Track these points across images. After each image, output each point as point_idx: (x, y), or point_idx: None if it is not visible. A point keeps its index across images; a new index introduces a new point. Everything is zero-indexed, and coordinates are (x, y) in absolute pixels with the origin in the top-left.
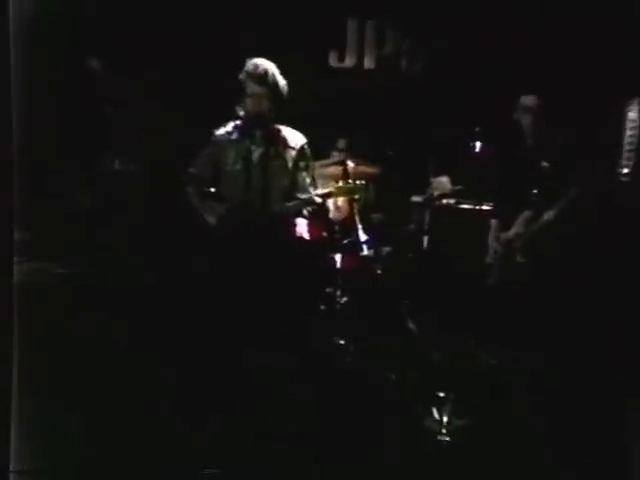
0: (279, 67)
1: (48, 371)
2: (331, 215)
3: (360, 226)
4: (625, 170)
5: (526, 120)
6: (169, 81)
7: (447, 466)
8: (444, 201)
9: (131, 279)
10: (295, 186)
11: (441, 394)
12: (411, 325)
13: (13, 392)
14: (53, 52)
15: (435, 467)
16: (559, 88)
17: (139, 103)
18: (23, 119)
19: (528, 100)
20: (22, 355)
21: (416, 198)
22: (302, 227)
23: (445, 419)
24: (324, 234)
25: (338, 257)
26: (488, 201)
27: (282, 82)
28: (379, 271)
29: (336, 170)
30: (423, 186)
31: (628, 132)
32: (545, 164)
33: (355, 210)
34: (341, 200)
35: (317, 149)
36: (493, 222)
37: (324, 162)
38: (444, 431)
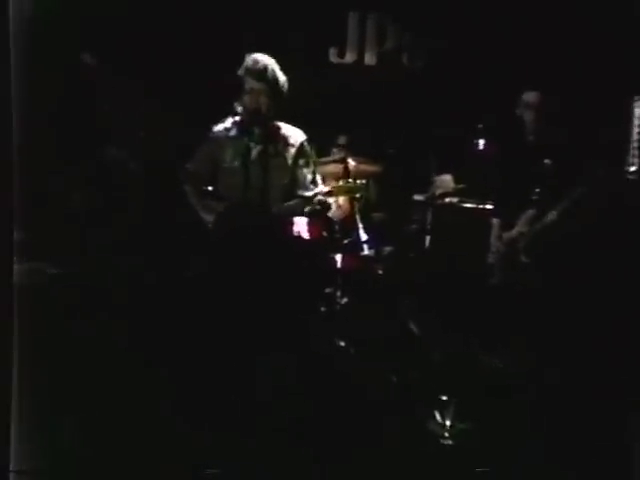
0: (279, 63)
1: (48, 371)
2: (331, 214)
3: (361, 225)
4: (633, 168)
5: (529, 116)
6: (167, 78)
7: (450, 469)
8: (446, 200)
9: (130, 279)
10: (295, 184)
11: (444, 397)
12: (413, 326)
13: (13, 392)
14: (53, 52)
15: (437, 470)
16: (564, 85)
17: (137, 101)
18: (23, 119)
19: (531, 96)
20: (22, 355)
21: (418, 197)
22: (302, 226)
23: (448, 422)
24: (324, 233)
25: (338, 257)
26: (491, 200)
27: (282, 78)
28: (380, 271)
29: (336, 168)
30: (425, 184)
31: (636, 129)
32: (549, 162)
33: (356, 209)
34: (342, 199)
35: (317, 146)
36: (496, 221)
37: (324, 160)
38: (446, 434)
